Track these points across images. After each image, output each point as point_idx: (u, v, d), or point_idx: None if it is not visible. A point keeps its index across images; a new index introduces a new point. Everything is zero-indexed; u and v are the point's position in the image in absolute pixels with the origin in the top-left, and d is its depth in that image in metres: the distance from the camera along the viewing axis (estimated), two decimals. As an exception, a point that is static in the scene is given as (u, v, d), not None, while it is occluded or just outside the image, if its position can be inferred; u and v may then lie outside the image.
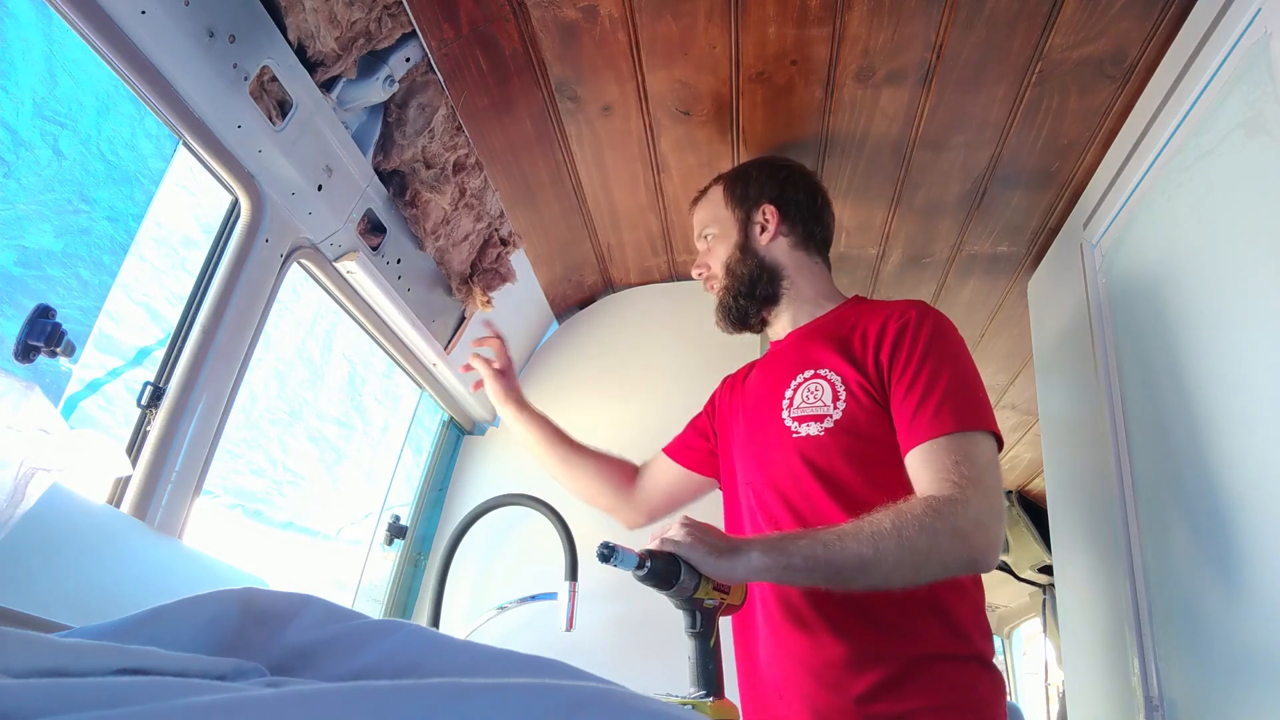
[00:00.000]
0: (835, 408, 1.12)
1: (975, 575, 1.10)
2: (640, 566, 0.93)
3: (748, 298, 1.31)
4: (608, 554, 0.91)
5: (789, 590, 1.08)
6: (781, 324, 1.32)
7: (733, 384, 1.41)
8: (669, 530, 0.98)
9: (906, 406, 1.08)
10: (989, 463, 1.02)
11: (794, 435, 1.14)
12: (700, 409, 1.47)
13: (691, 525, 0.98)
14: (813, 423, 1.13)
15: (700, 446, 1.42)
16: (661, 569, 0.94)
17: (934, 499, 0.98)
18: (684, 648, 1.00)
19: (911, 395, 1.07)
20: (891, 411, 1.10)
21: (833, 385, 1.15)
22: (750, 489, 1.20)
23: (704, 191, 1.45)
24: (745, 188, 1.38)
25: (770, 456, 1.17)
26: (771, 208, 1.35)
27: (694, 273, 1.40)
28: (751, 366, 1.40)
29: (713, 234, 1.37)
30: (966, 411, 1.05)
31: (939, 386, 1.06)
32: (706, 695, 0.96)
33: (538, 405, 2.11)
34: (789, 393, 1.19)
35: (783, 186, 1.37)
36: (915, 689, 0.98)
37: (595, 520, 1.83)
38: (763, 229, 1.34)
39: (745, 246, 1.32)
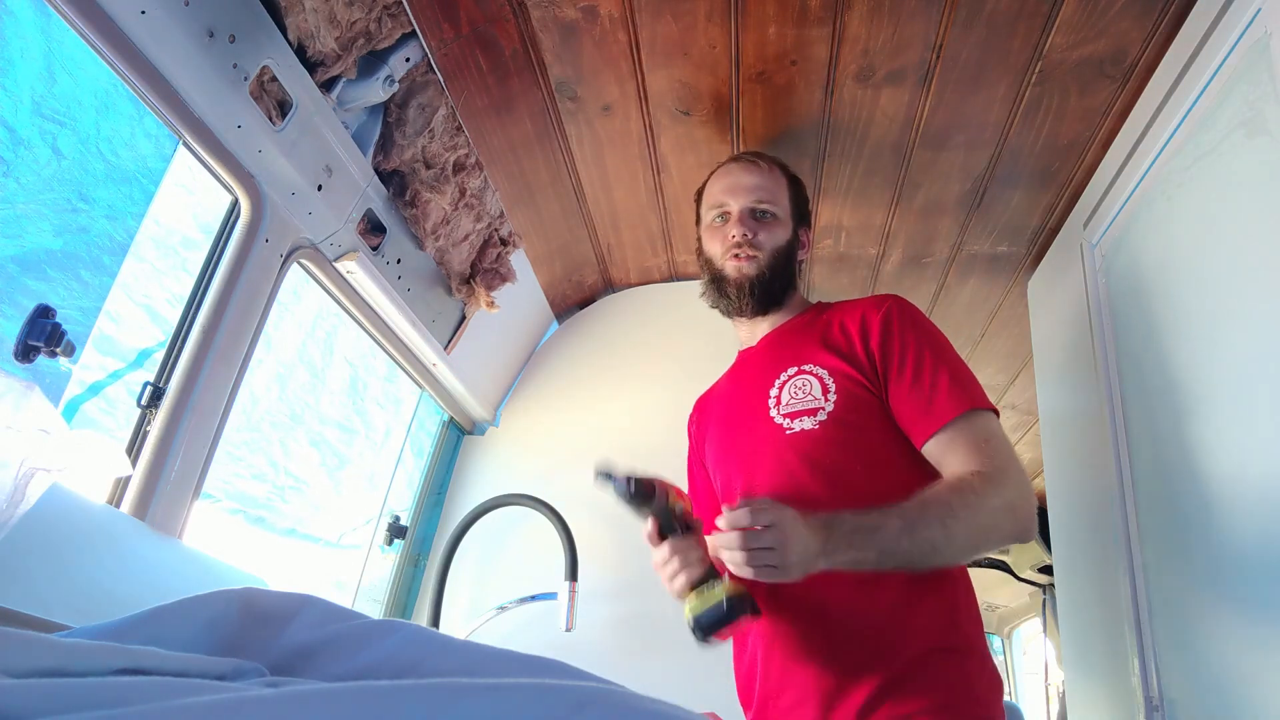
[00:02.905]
0: (827, 400, 1.13)
1: (964, 567, 1.11)
2: (627, 491, 1.00)
3: (779, 288, 1.29)
4: (608, 477, 0.99)
5: (784, 589, 1.08)
6: (760, 329, 1.32)
7: (701, 410, 1.41)
8: (734, 560, 0.94)
9: (914, 395, 1.09)
10: (1004, 436, 1.08)
11: (787, 432, 1.14)
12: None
13: (749, 550, 0.92)
14: (805, 417, 1.13)
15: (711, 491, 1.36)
16: (641, 498, 1.01)
17: (983, 474, 1.01)
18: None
19: (919, 385, 1.10)
20: (894, 402, 1.12)
21: (820, 379, 1.15)
22: (739, 494, 1.19)
23: (760, 159, 1.34)
24: (803, 201, 1.36)
25: (760, 457, 1.17)
26: (808, 233, 1.37)
27: (737, 231, 1.26)
28: (710, 390, 1.40)
29: (775, 214, 1.30)
30: (970, 392, 1.09)
31: (942, 372, 1.10)
32: (715, 579, 1.00)
33: (538, 406, 2.12)
34: (774, 391, 1.19)
35: (810, 216, 1.41)
36: (913, 690, 0.98)
37: (595, 520, 1.83)
38: (802, 245, 1.35)
39: (792, 250, 1.31)
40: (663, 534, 1.04)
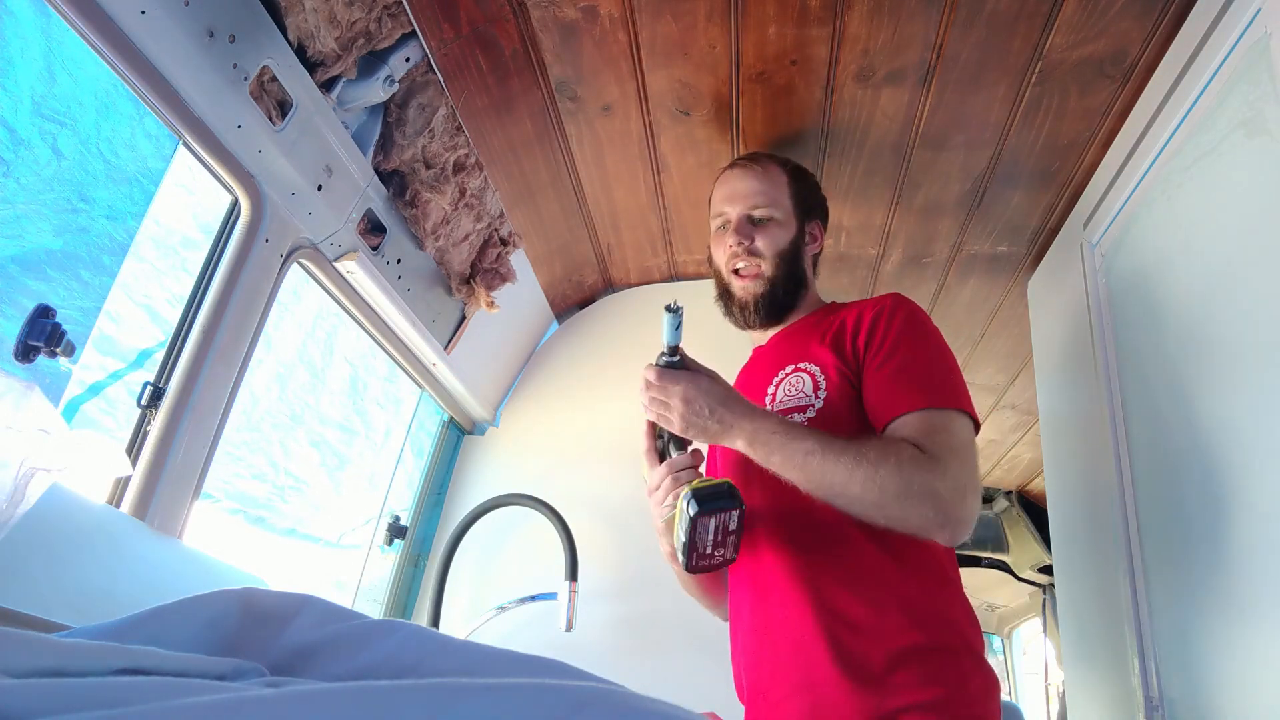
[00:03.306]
0: (816, 397, 1.14)
1: (955, 563, 1.10)
2: (673, 355, 1.05)
3: (787, 295, 1.29)
4: (676, 310, 1.02)
5: (776, 583, 1.08)
6: (771, 328, 1.32)
7: None
8: (671, 408, 1.05)
9: (880, 381, 1.09)
10: (967, 440, 1.04)
11: None
12: None
13: (689, 407, 1.04)
14: (795, 414, 1.14)
15: None
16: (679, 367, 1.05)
17: (921, 450, 0.99)
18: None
19: (885, 371, 1.09)
20: (864, 389, 1.11)
21: (813, 376, 1.16)
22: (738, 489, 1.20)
23: (755, 161, 1.34)
24: (809, 194, 1.35)
25: None
26: (820, 226, 1.36)
27: (733, 239, 1.27)
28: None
29: (773, 217, 1.29)
30: (944, 390, 1.07)
31: (914, 364, 1.09)
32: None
33: (538, 406, 2.12)
34: (771, 389, 1.20)
35: (824, 207, 1.40)
36: (905, 685, 0.97)
37: (595, 520, 1.84)
38: (811, 241, 1.34)
39: (797, 250, 1.30)
40: (663, 456, 1.11)
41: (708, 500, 1.00)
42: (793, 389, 1.17)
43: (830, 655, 1.01)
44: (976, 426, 1.08)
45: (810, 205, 1.35)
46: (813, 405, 1.13)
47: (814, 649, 1.02)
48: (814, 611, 1.04)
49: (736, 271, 1.28)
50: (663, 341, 1.05)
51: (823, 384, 1.14)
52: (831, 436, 1.01)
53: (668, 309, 1.03)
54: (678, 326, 1.04)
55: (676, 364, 1.06)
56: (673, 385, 1.04)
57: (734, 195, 1.31)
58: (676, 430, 1.06)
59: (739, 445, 1.03)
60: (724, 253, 1.30)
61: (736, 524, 1.02)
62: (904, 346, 1.11)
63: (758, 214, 1.28)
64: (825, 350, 1.17)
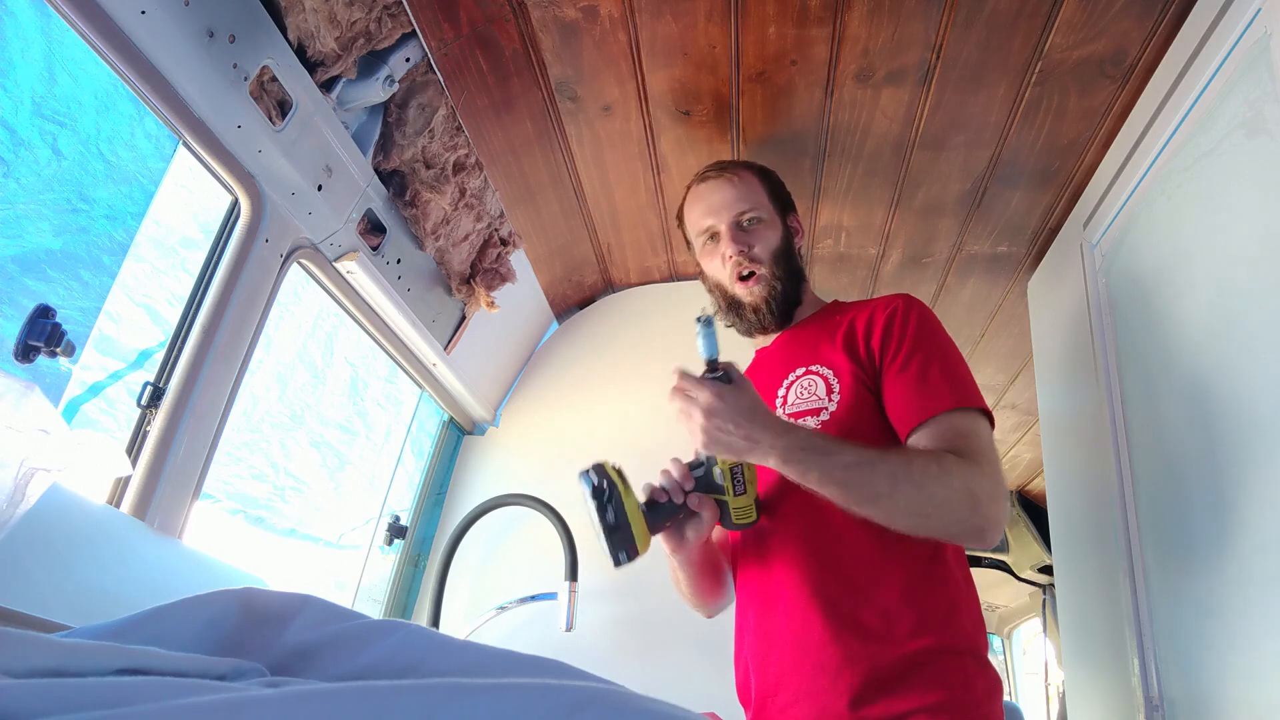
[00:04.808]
0: (830, 400, 1.13)
1: (966, 567, 1.10)
2: (712, 371, 1.01)
3: (794, 291, 1.28)
4: (708, 321, 1.01)
5: (784, 588, 1.08)
6: (774, 330, 1.32)
7: None
8: (694, 419, 1.01)
9: (904, 386, 1.09)
10: (991, 440, 1.05)
11: None
12: None
13: (711, 420, 1.00)
14: (809, 417, 1.14)
15: None
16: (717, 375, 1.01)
17: (956, 456, 0.99)
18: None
19: (907, 374, 1.09)
20: (885, 394, 1.11)
21: (825, 379, 1.16)
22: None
23: (724, 170, 1.31)
24: (779, 189, 1.34)
25: None
26: (797, 217, 1.36)
27: (731, 249, 1.24)
28: None
29: (760, 218, 1.27)
30: (964, 390, 1.07)
31: (936, 367, 1.09)
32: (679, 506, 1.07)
33: (538, 406, 2.12)
34: (782, 391, 1.20)
35: (791, 199, 1.39)
36: (910, 689, 0.97)
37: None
38: (796, 234, 1.33)
39: (789, 246, 1.30)
40: (703, 466, 1.08)
41: (655, 515, 1.07)
42: (805, 391, 1.16)
43: (837, 662, 1.00)
44: (992, 424, 1.08)
45: (785, 199, 1.35)
46: (826, 408, 1.13)
47: (820, 655, 1.02)
48: (822, 617, 1.03)
49: (741, 279, 1.26)
50: (703, 356, 1.01)
51: (836, 387, 1.14)
52: (865, 447, 1.00)
53: (697, 320, 0.99)
54: (706, 336, 1.00)
55: (720, 378, 1.00)
56: (698, 394, 1.00)
57: (716, 207, 1.28)
58: (699, 446, 1.01)
59: (770, 463, 0.99)
60: (721, 264, 1.27)
61: (599, 522, 1.06)
62: (923, 349, 1.10)
63: (746, 219, 1.26)
64: (837, 352, 1.16)
